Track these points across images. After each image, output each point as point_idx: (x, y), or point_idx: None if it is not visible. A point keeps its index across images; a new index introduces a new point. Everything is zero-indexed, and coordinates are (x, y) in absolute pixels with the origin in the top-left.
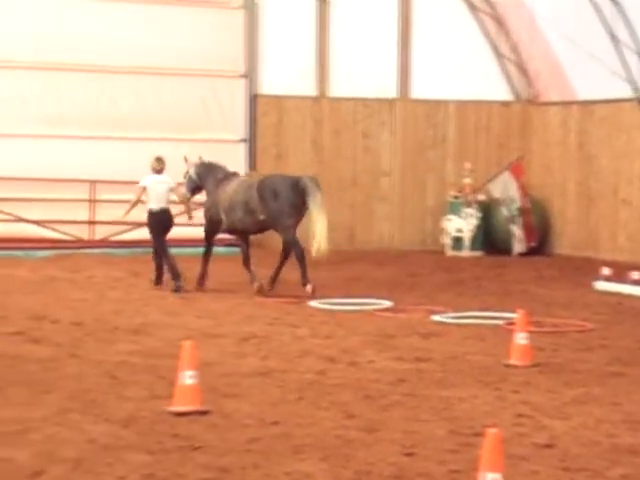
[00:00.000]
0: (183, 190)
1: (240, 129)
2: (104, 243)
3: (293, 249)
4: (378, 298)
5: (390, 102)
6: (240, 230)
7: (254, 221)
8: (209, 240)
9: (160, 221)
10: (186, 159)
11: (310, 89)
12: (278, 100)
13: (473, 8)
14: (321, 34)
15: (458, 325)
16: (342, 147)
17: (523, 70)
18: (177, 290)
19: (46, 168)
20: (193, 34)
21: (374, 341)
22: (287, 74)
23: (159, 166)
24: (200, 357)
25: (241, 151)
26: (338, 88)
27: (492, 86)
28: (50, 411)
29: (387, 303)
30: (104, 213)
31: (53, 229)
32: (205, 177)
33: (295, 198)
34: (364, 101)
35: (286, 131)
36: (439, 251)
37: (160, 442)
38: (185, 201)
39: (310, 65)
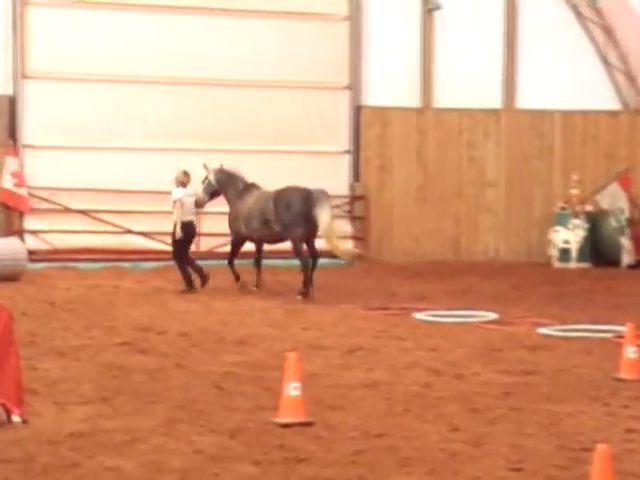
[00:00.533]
0: (201, 194)
1: (344, 141)
2: (210, 255)
3: (299, 258)
4: (483, 310)
5: (495, 112)
6: (256, 240)
7: (270, 232)
8: (235, 251)
9: (189, 232)
10: (206, 166)
11: (414, 100)
12: (382, 111)
13: (580, 16)
14: (425, 44)
15: (565, 338)
16: (447, 158)
17: (631, 79)
18: (186, 292)
19: (153, 180)
20: (297, 46)
21: (480, 354)
22: (391, 85)
23: (187, 179)
24: (305, 369)
25: (345, 163)
26: (442, 99)
27: (599, 95)
28: (157, 421)
29: (492, 315)
30: (209, 225)
31: (160, 241)
32: (225, 185)
33: (306, 210)
34: (469, 112)
35: (390, 142)
36: (545, 263)
37: (266, 453)
38: (201, 204)
39: (414, 76)
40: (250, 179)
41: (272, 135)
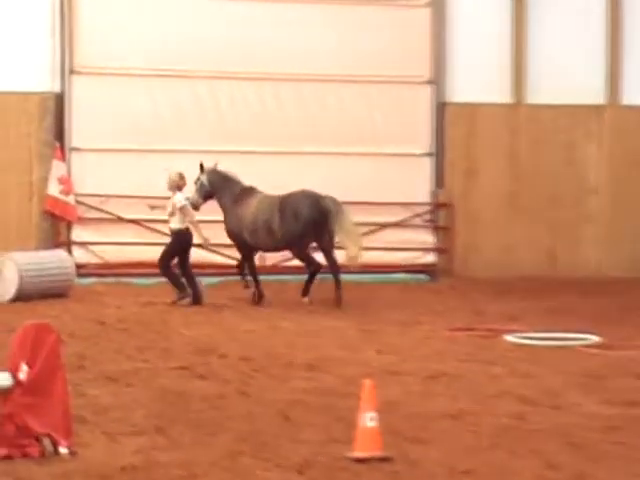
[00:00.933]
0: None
1: (425, 142)
2: (275, 269)
3: (305, 264)
4: (584, 332)
5: (597, 109)
6: (262, 249)
7: (275, 242)
8: (250, 265)
9: (189, 239)
10: (202, 165)
11: (505, 96)
12: (469, 108)
13: None
14: (517, 33)
15: None
16: (542, 161)
17: None
18: (176, 302)
19: None
20: (372, 36)
21: (580, 382)
22: (479, 79)
23: (183, 183)
24: (382, 397)
25: (426, 166)
26: (537, 94)
27: None
28: (218, 454)
29: (594, 338)
30: None
31: (220, 254)
32: (219, 188)
33: (316, 218)
34: (567, 108)
35: (478, 143)
36: None
37: None
38: (196, 207)
39: (505, 68)
40: (317, 186)
41: (344, 136)
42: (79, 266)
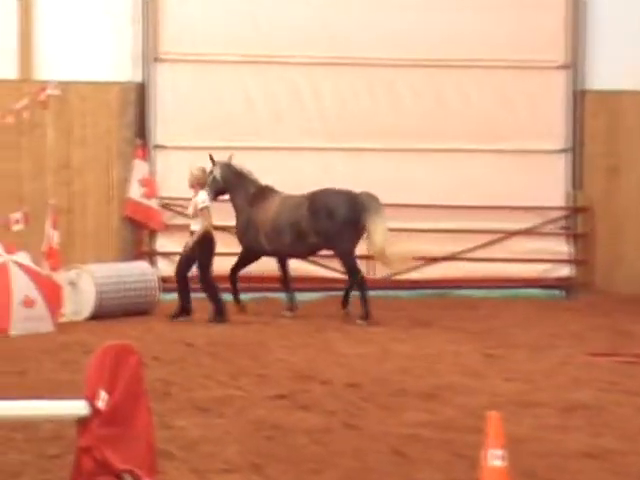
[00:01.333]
0: (203, 196)
1: (560, 136)
2: (386, 283)
3: (352, 277)
4: None
5: None
6: (285, 256)
7: (305, 245)
8: (236, 272)
9: (214, 245)
10: (212, 158)
11: None
12: (612, 97)
13: None
14: None
15: None
16: None
17: None
18: (214, 320)
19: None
20: (497, 15)
21: None
22: (624, 63)
23: (205, 179)
24: (510, 431)
25: (561, 164)
26: None
27: None
28: None
29: None
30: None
31: (323, 266)
32: (233, 186)
33: (354, 217)
34: None
35: (623, 137)
36: None
37: None
38: (205, 212)
39: None
40: (434, 187)
41: (464, 130)
42: (164, 280)
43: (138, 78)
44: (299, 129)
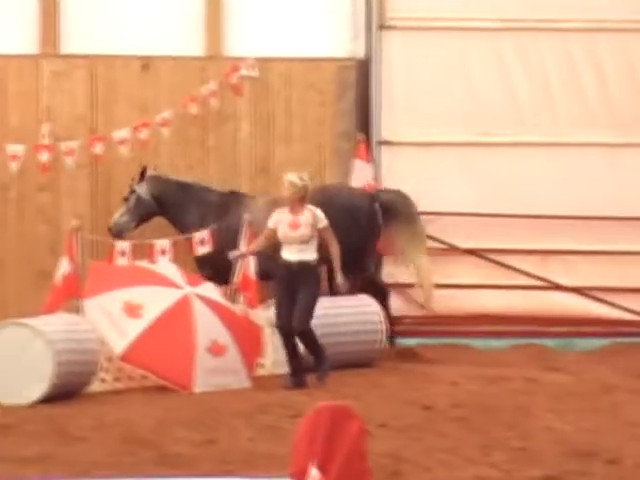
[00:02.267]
0: (125, 217)
1: None
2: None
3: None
4: None
5: None
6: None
7: None
8: None
9: None
10: (143, 170)
11: None
12: None
13: None
14: None
15: None
16: None
17: None
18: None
19: (593, 196)
20: None
21: None
22: None
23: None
24: None
25: None
26: None
27: None
28: None
29: None
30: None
31: (607, 302)
32: (175, 201)
33: (375, 221)
34: None
35: None
36: None
37: None
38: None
39: None
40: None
41: None
42: (392, 320)
43: (360, 53)
44: (578, 118)
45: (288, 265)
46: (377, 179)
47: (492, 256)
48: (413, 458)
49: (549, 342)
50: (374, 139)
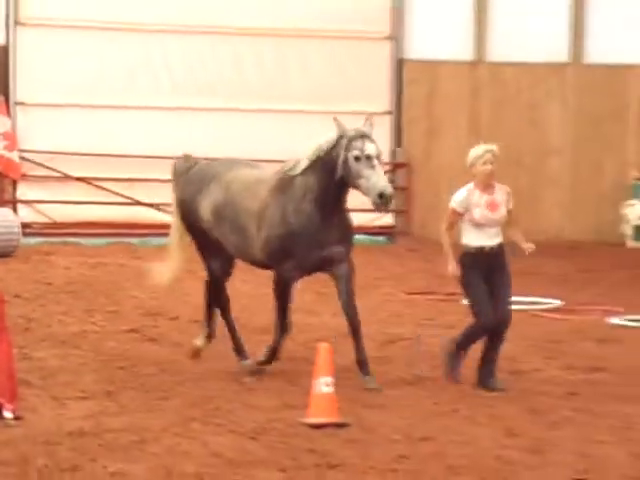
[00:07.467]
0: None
1: (384, 100)
2: None
3: None
4: (545, 297)
5: (560, 67)
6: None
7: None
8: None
9: None
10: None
11: (467, 53)
12: (429, 66)
13: None
14: None
15: (638, 329)
16: (504, 121)
17: None
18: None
19: (163, 144)
20: None
21: (541, 347)
22: (440, 35)
23: None
24: (338, 362)
25: (386, 125)
26: (499, 51)
27: None
28: (169, 420)
29: (556, 303)
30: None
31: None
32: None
33: None
34: (530, 66)
35: (438, 102)
36: (618, 243)
37: (293, 458)
38: None
39: (467, 24)
40: (275, 145)
41: (301, 93)
42: (25, 225)
43: (1, 41)
44: (150, 90)
45: (484, 252)
46: (13, 129)
47: (95, 182)
48: (39, 318)
49: (134, 240)
50: (12, 100)
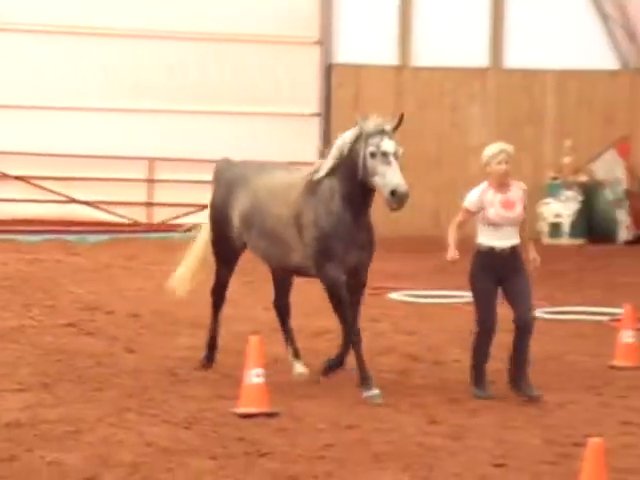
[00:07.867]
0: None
1: (313, 102)
2: (163, 227)
3: None
4: (467, 290)
5: (481, 72)
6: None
7: None
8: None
9: None
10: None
11: (392, 57)
12: (356, 70)
13: None
14: None
15: (556, 321)
16: (427, 123)
17: (632, 34)
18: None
19: (100, 144)
20: None
21: (461, 338)
22: (366, 41)
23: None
24: (268, 353)
25: (314, 126)
26: (422, 56)
27: (596, 54)
28: (104, 411)
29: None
30: (163, 194)
31: (108, 211)
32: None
33: None
34: (451, 71)
35: (364, 104)
36: (535, 239)
37: (224, 446)
38: None
39: (392, 30)
40: (207, 145)
41: (232, 95)
42: None
43: None
44: (89, 92)
45: (494, 253)
46: None
47: (34, 181)
48: None
49: (70, 237)
50: None
